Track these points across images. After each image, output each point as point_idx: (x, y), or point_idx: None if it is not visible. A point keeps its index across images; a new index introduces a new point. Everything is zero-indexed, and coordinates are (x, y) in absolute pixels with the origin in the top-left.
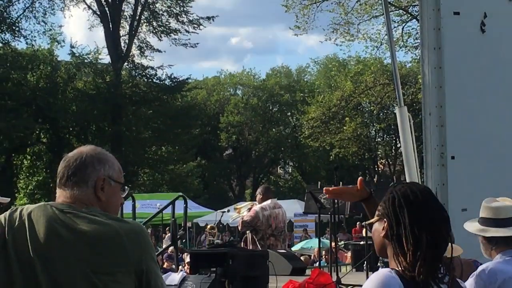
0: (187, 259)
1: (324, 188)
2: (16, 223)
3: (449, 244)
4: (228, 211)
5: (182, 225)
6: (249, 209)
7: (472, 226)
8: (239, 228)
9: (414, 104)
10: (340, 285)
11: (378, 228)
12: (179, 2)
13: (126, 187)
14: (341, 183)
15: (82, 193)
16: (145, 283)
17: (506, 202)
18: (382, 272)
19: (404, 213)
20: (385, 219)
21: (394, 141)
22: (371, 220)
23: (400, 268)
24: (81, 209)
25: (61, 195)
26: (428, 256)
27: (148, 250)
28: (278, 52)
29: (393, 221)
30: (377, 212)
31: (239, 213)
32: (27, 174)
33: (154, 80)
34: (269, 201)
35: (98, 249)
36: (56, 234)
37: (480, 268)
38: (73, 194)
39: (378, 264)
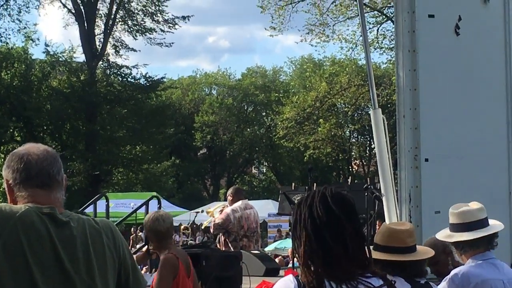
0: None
1: None
2: (6, 229)
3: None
4: (202, 211)
5: None
6: (221, 211)
7: (441, 233)
8: (211, 231)
9: (389, 105)
10: None
11: None
12: (154, 1)
13: None
14: (315, 184)
15: (61, 195)
16: (124, 277)
17: (473, 206)
18: (285, 278)
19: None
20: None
21: (368, 142)
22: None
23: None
24: (61, 213)
25: (39, 195)
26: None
27: (124, 244)
28: (255, 52)
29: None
30: None
31: (212, 216)
32: (1, 173)
33: (129, 79)
34: (239, 202)
35: (90, 253)
36: (50, 242)
37: (453, 272)
38: (55, 197)
39: None
